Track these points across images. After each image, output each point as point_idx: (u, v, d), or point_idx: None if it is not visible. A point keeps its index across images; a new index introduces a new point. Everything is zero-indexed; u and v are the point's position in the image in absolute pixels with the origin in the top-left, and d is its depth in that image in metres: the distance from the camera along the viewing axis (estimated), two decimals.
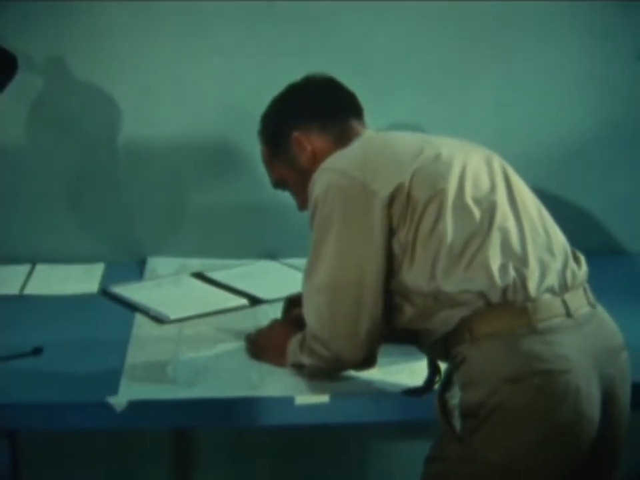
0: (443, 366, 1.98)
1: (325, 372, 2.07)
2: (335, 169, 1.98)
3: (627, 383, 1.93)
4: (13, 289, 2.78)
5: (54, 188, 3.06)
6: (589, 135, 3.16)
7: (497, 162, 2.03)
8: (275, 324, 2.32)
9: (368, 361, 2.02)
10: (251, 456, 3.17)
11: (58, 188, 3.06)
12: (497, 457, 1.78)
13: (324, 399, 2.05)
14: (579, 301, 1.90)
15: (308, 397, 2.05)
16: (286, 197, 2.30)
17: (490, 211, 1.90)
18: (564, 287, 1.88)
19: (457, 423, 1.82)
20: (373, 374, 2.10)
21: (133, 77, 2.99)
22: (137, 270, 2.99)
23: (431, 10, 3.02)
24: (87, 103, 3.01)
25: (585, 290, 1.94)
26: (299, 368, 2.09)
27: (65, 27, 2.93)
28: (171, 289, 2.78)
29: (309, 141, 2.15)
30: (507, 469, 1.79)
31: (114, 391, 2.05)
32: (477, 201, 1.91)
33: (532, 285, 1.84)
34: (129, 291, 2.73)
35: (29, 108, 2.98)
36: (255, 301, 2.67)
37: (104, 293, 2.76)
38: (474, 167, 1.97)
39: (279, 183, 2.26)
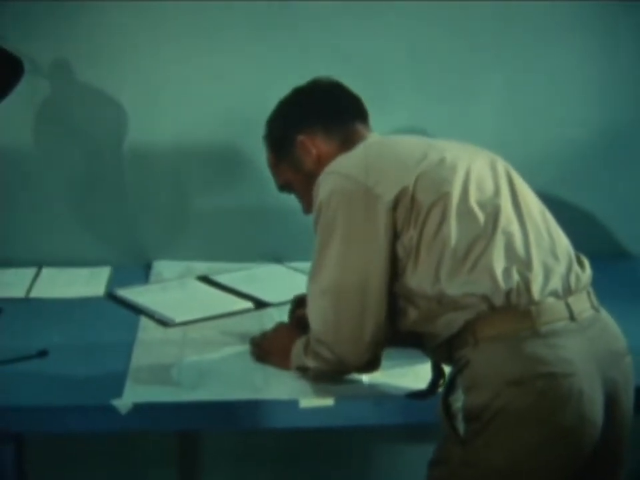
0: (446, 369, 1.98)
1: (329, 375, 2.07)
2: (340, 172, 1.99)
3: (630, 386, 1.93)
4: (19, 292, 2.78)
5: (60, 191, 3.07)
6: (592, 138, 3.16)
7: (501, 166, 2.04)
8: (279, 327, 2.32)
9: (372, 364, 2.02)
10: (255, 459, 3.17)
11: (64, 191, 3.07)
12: (500, 460, 1.79)
13: (328, 402, 2.05)
14: (583, 304, 1.90)
15: (312, 400, 2.05)
16: (291, 201, 2.30)
17: (494, 214, 1.91)
18: (568, 291, 1.89)
19: (461, 426, 1.82)
20: (377, 377, 2.10)
21: (138, 81, 3.00)
22: (143, 273, 2.99)
23: (433, 13, 3.03)
24: (93, 107, 3.02)
25: (588, 293, 1.94)
26: (303, 371, 2.10)
27: (70, 31, 2.94)
28: (176, 292, 2.79)
29: (314, 144, 2.15)
30: (510, 471, 1.79)
31: (119, 393, 2.05)
32: (481, 205, 1.91)
33: (535, 289, 1.84)
34: (135, 294, 2.74)
35: (35, 112, 2.99)
36: (260, 304, 2.68)
37: (110, 296, 2.76)
38: (478, 170, 1.98)
39: (284, 187, 2.27)
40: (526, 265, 1.87)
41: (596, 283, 2.00)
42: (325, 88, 2.22)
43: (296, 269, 2.95)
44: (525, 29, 3.08)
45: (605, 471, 1.93)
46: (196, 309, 2.61)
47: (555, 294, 1.87)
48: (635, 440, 1.99)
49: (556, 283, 1.88)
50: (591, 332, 1.87)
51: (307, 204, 2.17)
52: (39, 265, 3.01)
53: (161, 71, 3.00)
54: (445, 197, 1.90)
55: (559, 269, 1.90)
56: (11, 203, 3.04)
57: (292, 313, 2.39)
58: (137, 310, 2.62)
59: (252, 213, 3.11)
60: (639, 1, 3.05)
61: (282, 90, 2.26)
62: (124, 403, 2.01)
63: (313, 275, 2.00)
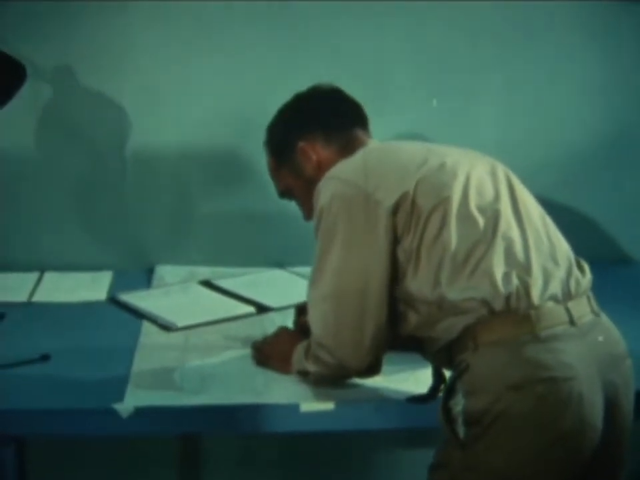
0: (447, 374, 1.98)
1: (329, 379, 2.08)
2: (340, 177, 2.00)
3: (630, 390, 1.93)
4: (21, 297, 2.79)
5: (62, 196, 3.08)
6: (593, 141, 3.17)
7: (501, 171, 2.04)
8: (281, 331, 2.33)
9: (373, 369, 2.03)
10: (256, 462, 3.17)
11: (66, 196, 3.08)
12: (500, 464, 1.79)
13: (329, 406, 2.05)
14: (583, 309, 1.90)
15: (313, 404, 2.06)
16: (293, 206, 2.31)
17: (494, 219, 1.91)
18: (567, 295, 1.89)
19: (461, 430, 1.82)
20: (378, 381, 2.11)
21: (140, 84, 3.01)
22: (145, 278, 3.00)
23: (433, 14, 3.04)
24: (95, 111, 3.03)
25: (588, 298, 1.95)
26: (303, 375, 2.11)
27: (73, 35, 2.95)
28: (179, 297, 2.79)
29: (314, 150, 2.16)
30: (510, 475, 1.80)
31: (120, 397, 2.06)
32: (481, 210, 1.92)
33: (535, 293, 1.85)
34: (137, 298, 2.75)
35: (37, 116, 3.00)
36: (262, 308, 2.68)
37: (112, 300, 2.77)
38: (478, 175, 1.98)
39: (284, 193, 2.28)
40: (525, 269, 1.87)
41: (597, 287, 2.01)
42: (326, 94, 2.23)
43: (298, 274, 2.95)
44: (525, 30, 3.09)
45: (605, 474, 1.93)
46: (198, 313, 2.62)
47: (554, 298, 1.87)
48: (635, 442, 1.99)
49: (556, 288, 1.88)
50: (591, 336, 1.88)
51: (308, 210, 2.17)
52: (42, 270, 3.02)
53: (163, 74, 3.01)
54: (445, 201, 1.90)
55: (559, 274, 1.91)
56: (13, 207, 3.05)
57: (296, 320, 2.40)
58: (139, 314, 2.63)
59: (254, 218, 3.12)
60: None
61: (284, 93, 2.27)
62: (125, 406, 2.02)
63: (313, 280, 2.00)
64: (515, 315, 1.83)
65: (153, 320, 2.58)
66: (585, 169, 3.17)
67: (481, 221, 1.90)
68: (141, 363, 2.28)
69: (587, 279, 1.98)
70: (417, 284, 1.90)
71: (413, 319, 1.94)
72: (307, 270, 2.07)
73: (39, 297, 2.81)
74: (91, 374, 2.20)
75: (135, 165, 3.07)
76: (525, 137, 3.13)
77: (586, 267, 2.02)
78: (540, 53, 3.12)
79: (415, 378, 2.15)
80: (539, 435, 1.78)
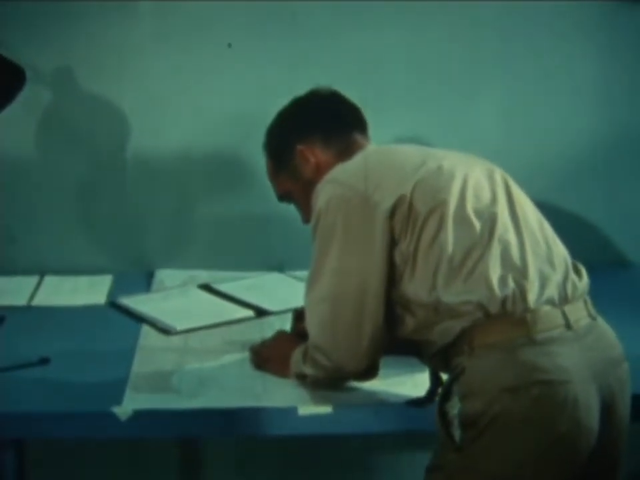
0: (444, 377, 1.99)
1: (327, 382, 2.08)
2: (338, 180, 2.00)
3: (626, 394, 1.93)
4: (21, 300, 2.80)
5: (62, 199, 3.08)
6: (591, 145, 3.17)
7: (499, 174, 2.04)
8: (279, 335, 2.33)
9: (370, 372, 2.03)
10: (255, 465, 3.18)
11: (66, 199, 3.09)
12: (496, 467, 1.80)
13: (327, 409, 2.05)
14: (579, 312, 1.91)
15: (311, 408, 2.06)
16: (292, 210, 2.31)
17: (490, 222, 1.91)
18: (564, 299, 1.90)
19: (457, 433, 1.82)
20: (376, 385, 2.11)
21: (140, 88, 3.02)
22: (145, 282, 3.00)
23: (432, 21, 3.04)
24: (95, 115, 3.04)
25: (585, 302, 1.95)
26: (301, 378, 2.11)
27: (73, 38, 2.96)
28: (178, 300, 2.80)
29: (312, 154, 2.17)
30: (506, 478, 1.80)
31: (119, 400, 2.06)
32: (478, 213, 1.92)
33: (531, 296, 1.85)
34: (136, 302, 2.75)
35: (37, 120, 3.01)
36: (260, 312, 2.69)
37: (111, 304, 2.77)
38: (475, 179, 1.99)
39: (283, 196, 2.28)
40: (522, 272, 1.88)
41: (594, 291, 2.01)
42: (324, 98, 2.24)
43: (297, 278, 2.95)
44: (527, 37, 3.09)
45: (601, 476, 1.93)
46: (197, 317, 2.62)
47: (551, 302, 1.87)
48: (632, 445, 1.99)
49: (552, 291, 1.88)
50: (588, 340, 1.88)
51: (306, 213, 2.17)
52: (42, 273, 3.02)
53: (164, 78, 3.02)
54: (442, 204, 1.91)
55: (555, 277, 1.91)
56: (13, 211, 3.06)
57: (294, 324, 2.40)
58: (138, 318, 2.63)
59: (254, 222, 3.12)
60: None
61: (284, 97, 2.28)
62: (124, 409, 2.02)
63: (311, 283, 2.01)
64: (511, 318, 1.84)
65: (153, 323, 2.58)
66: (582, 172, 3.17)
67: (477, 224, 1.90)
68: (140, 366, 2.28)
69: (583, 282, 1.98)
70: (414, 287, 1.90)
71: (409, 322, 1.94)
72: (306, 274, 2.07)
73: (38, 301, 2.81)
74: (90, 377, 2.21)
75: (135, 168, 3.07)
76: (523, 140, 3.13)
77: (583, 270, 2.02)
78: (539, 57, 3.11)
79: (413, 381, 2.15)
80: (535, 438, 1.78)
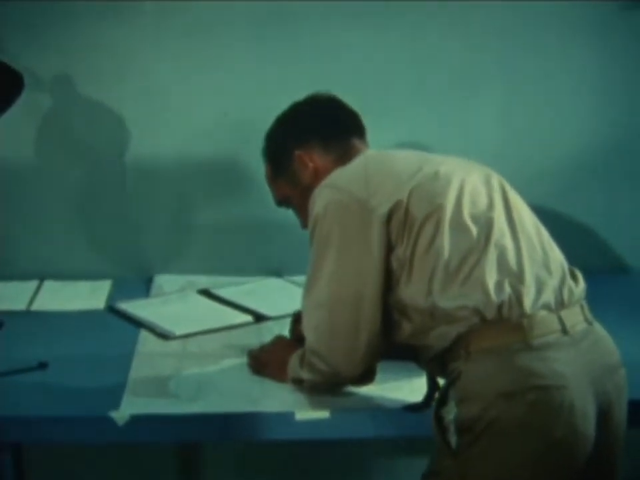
0: (441, 382, 1.99)
1: (324, 387, 2.08)
2: (335, 185, 2.01)
3: (623, 399, 1.94)
4: (20, 305, 2.80)
5: (61, 205, 3.08)
6: (590, 151, 3.16)
7: (496, 180, 2.05)
8: (277, 340, 2.34)
9: (366, 377, 2.04)
10: (253, 470, 3.18)
11: (65, 205, 3.09)
12: (491, 472, 1.80)
13: (324, 414, 2.06)
14: (576, 317, 1.91)
15: (308, 413, 2.06)
16: (291, 215, 2.32)
17: (487, 227, 1.92)
18: (560, 304, 1.90)
19: (453, 438, 1.82)
20: (373, 390, 2.11)
21: (139, 94, 3.02)
22: (144, 287, 3.00)
23: (433, 23, 3.04)
24: (94, 120, 3.04)
25: (582, 307, 1.95)
26: (299, 383, 2.11)
27: (72, 44, 2.96)
28: (177, 305, 2.80)
29: (311, 159, 2.17)
30: None
31: (117, 405, 2.06)
32: (474, 218, 1.92)
33: (527, 302, 1.85)
34: (135, 307, 2.75)
35: (36, 125, 3.01)
36: (259, 317, 2.69)
37: (110, 309, 2.78)
38: (472, 184, 1.99)
39: (282, 201, 2.29)
40: (518, 278, 1.88)
41: (592, 296, 2.01)
42: (323, 103, 2.24)
43: (296, 283, 2.95)
44: (526, 40, 3.09)
45: None
46: (196, 322, 2.63)
47: (547, 307, 1.87)
48: (628, 451, 1.99)
49: (548, 296, 1.89)
50: (584, 345, 1.88)
51: (305, 218, 2.16)
52: (41, 278, 3.02)
53: (162, 83, 3.02)
54: (438, 209, 1.91)
55: (552, 283, 1.91)
56: (12, 216, 3.06)
57: (292, 329, 2.40)
58: (137, 323, 2.64)
59: (253, 227, 3.13)
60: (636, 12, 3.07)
61: (283, 102, 2.28)
62: (121, 414, 2.03)
63: (308, 288, 2.01)
64: (507, 323, 1.84)
65: (151, 328, 2.58)
66: (582, 173, 3.16)
67: (474, 230, 1.91)
68: (138, 370, 2.28)
69: (580, 287, 1.98)
70: (410, 292, 1.90)
71: (406, 327, 1.94)
72: (305, 279, 2.08)
73: (37, 306, 2.81)
74: (88, 382, 2.21)
75: (134, 173, 3.07)
76: (522, 145, 3.12)
77: (579, 275, 2.02)
78: (539, 57, 3.10)
79: (410, 386, 2.15)
80: (531, 443, 1.79)
